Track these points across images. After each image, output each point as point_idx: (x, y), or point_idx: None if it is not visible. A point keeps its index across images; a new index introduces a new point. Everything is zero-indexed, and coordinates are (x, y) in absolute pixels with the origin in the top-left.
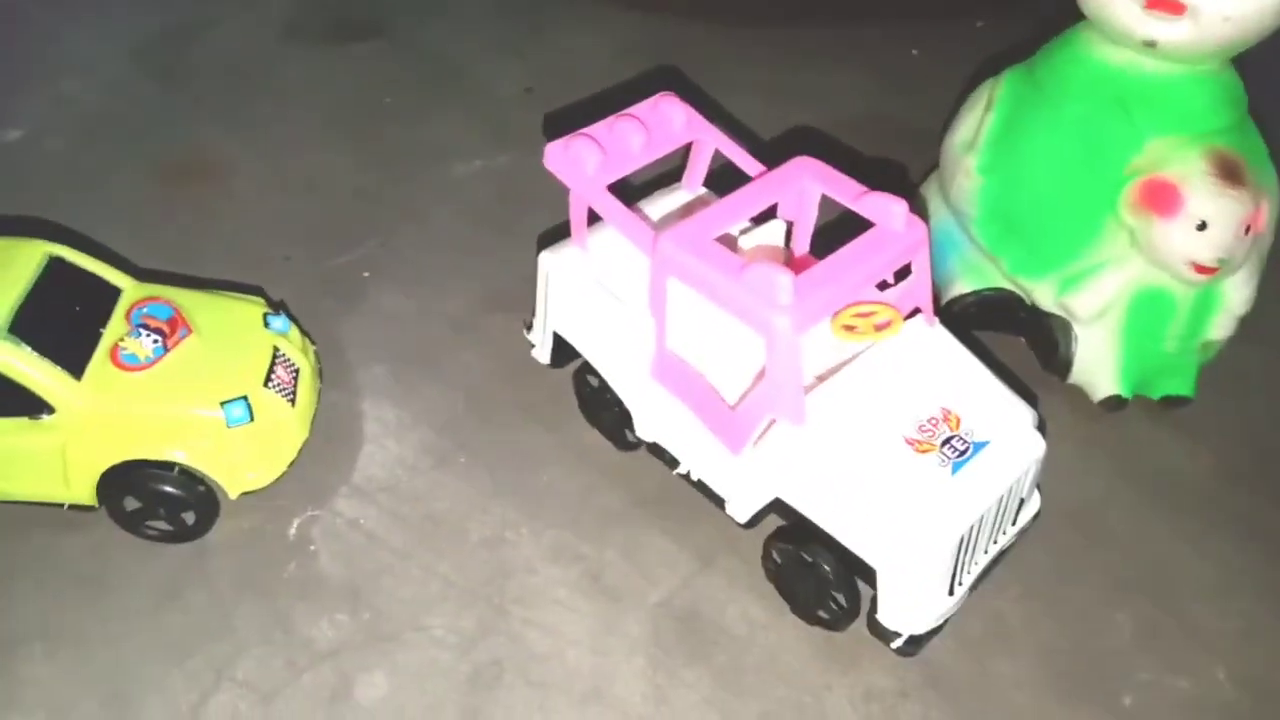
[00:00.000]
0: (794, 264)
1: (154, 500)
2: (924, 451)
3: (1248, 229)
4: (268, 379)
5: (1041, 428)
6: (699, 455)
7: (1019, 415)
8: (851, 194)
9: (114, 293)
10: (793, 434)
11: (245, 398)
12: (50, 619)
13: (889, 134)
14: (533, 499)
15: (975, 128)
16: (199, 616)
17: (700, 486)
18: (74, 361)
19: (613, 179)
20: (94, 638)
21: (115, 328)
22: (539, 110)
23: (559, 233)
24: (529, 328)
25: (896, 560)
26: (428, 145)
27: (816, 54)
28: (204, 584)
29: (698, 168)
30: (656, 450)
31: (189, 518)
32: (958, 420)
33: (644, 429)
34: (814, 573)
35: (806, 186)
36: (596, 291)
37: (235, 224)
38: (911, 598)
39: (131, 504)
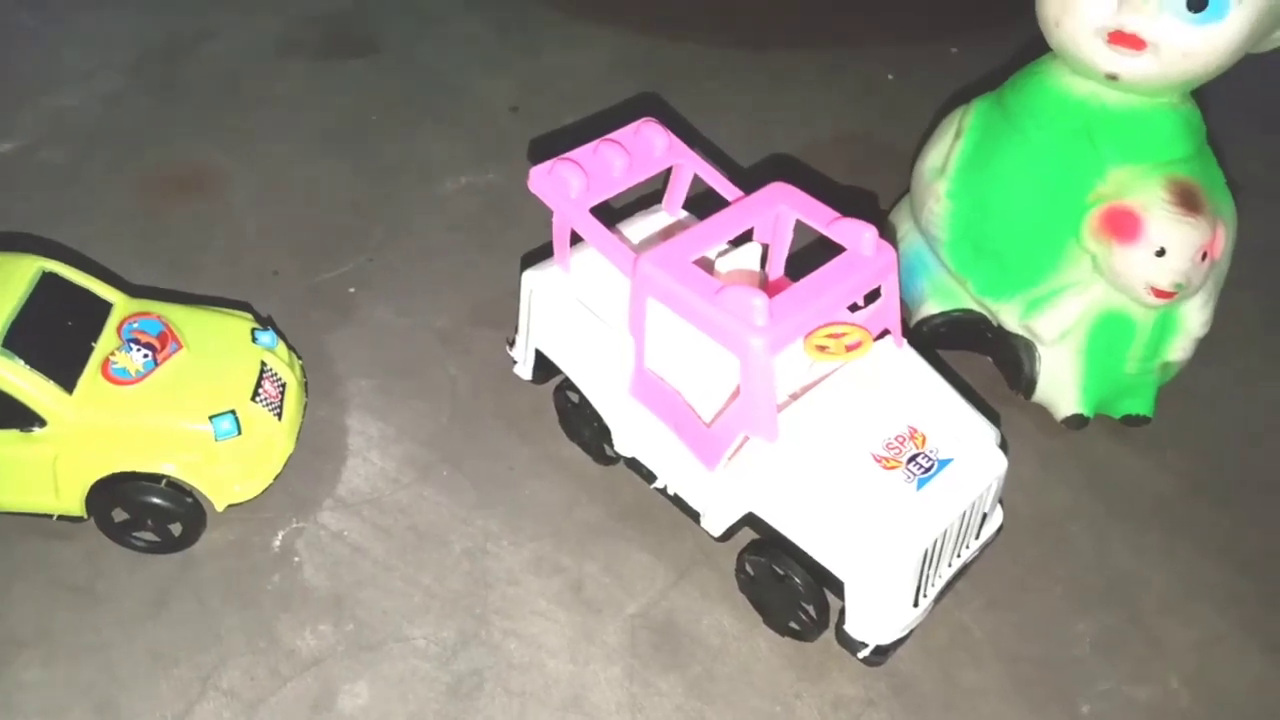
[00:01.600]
0: (769, 286)
1: (142, 512)
2: (890, 468)
3: (1205, 255)
4: (255, 393)
5: (1004, 446)
6: (676, 470)
7: (982, 433)
8: (824, 219)
9: (105, 308)
10: (765, 450)
11: (233, 412)
12: (43, 626)
13: (865, 156)
14: (515, 511)
15: (945, 154)
16: (186, 626)
17: (676, 500)
18: (66, 375)
19: (595, 202)
20: (85, 645)
21: (106, 342)
22: (526, 128)
23: (543, 252)
24: (511, 344)
25: (863, 573)
26: (417, 161)
27: (796, 77)
28: (191, 594)
29: (677, 191)
30: (634, 465)
31: (176, 529)
32: (923, 438)
33: (623, 444)
34: (785, 585)
35: (781, 211)
36: (578, 311)
37: (227, 238)
38: (878, 609)
39: (120, 515)
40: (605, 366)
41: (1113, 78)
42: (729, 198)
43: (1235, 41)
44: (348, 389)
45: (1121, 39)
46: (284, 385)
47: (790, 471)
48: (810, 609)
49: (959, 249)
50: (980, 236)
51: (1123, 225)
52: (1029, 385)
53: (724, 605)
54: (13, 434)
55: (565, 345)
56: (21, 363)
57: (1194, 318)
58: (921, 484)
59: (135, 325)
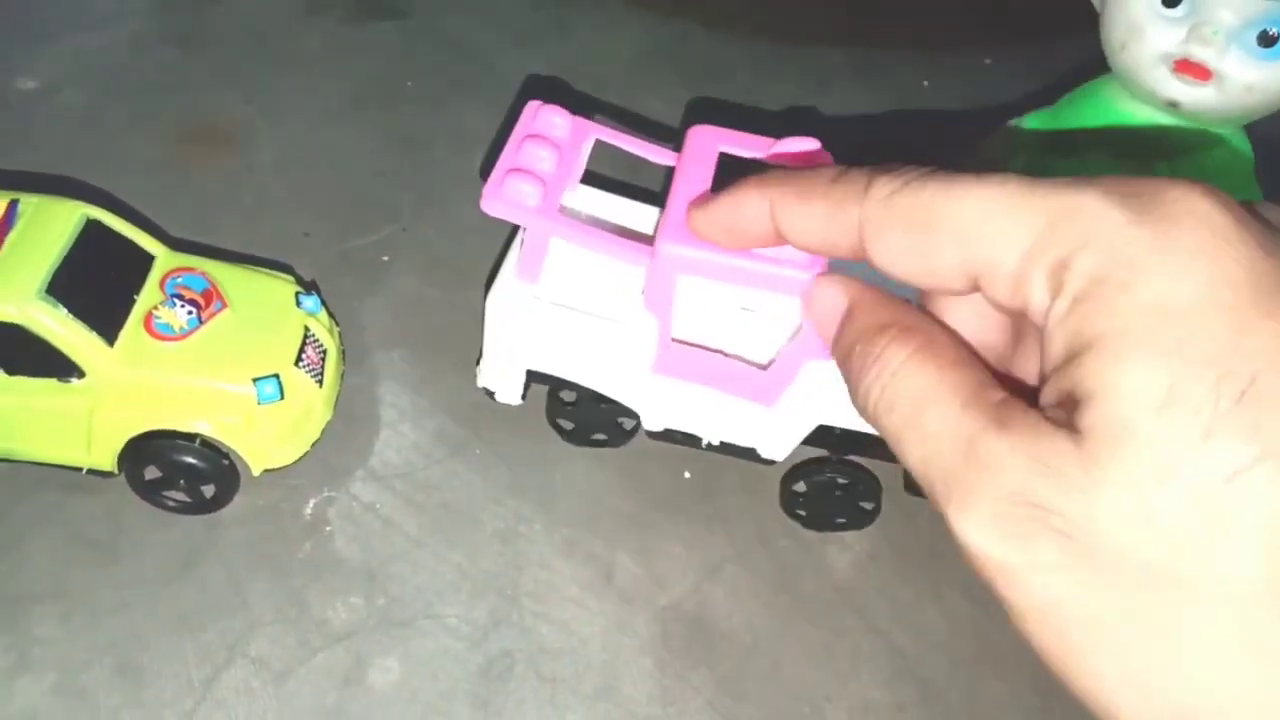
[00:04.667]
0: None
1: (176, 471)
2: None
3: None
4: (298, 358)
5: None
6: (720, 421)
7: None
8: (764, 148)
9: (147, 260)
10: (818, 367)
11: (277, 376)
12: (63, 581)
13: (899, 160)
14: (547, 495)
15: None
16: (212, 590)
17: (724, 448)
18: (107, 327)
19: (556, 204)
20: (106, 604)
21: (149, 296)
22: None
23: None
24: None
25: None
26: (449, 132)
27: (832, 76)
28: (218, 558)
29: (577, 166)
30: (666, 436)
31: (208, 490)
32: None
33: (652, 421)
34: (844, 491)
35: (712, 152)
36: (568, 316)
37: (253, 195)
38: None
39: (152, 473)
40: (616, 357)
41: (1173, 105)
42: (654, 158)
43: None
44: (380, 358)
45: (1187, 68)
46: (325, 351)
47: (835, 374)
48: (869, 504)
49: None
50: None
51: None
52: None
53: (755, 603)
54: (50, 383)
55: (562, 354)
56: (65, 311)
57: None
58: None
59: (179, 280)
